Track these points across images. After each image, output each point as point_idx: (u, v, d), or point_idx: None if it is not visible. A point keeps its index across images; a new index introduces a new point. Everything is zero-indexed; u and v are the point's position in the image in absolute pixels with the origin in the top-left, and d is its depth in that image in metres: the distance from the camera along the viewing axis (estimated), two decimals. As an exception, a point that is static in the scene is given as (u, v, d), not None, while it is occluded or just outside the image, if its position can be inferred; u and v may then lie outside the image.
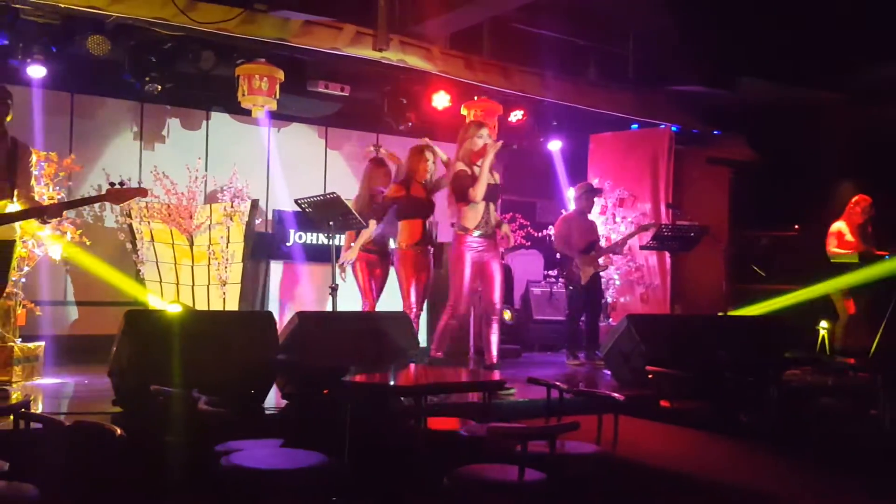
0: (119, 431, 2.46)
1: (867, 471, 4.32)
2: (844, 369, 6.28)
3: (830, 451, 4.77)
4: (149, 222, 7.11)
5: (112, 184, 4.74)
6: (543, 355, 8.41)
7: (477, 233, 5.57)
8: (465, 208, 5.57)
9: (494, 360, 5.65)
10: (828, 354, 7.25)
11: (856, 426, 5.29)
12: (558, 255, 7.80)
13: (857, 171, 8.29)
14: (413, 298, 5.89)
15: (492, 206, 5.66)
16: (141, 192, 4.89)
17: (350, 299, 6.19)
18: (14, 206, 4.67)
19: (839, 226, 7.44)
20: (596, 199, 7.97)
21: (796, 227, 9.21)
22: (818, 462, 4.54)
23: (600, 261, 7.45)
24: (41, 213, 4.60)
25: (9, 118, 4.78)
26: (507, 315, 8.24)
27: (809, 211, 8.47)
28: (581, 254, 7.32)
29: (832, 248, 7.42)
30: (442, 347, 5.65)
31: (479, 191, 5.47)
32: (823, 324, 7.48)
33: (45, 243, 5.77)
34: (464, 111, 8.34)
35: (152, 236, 7.14)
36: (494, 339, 5.66)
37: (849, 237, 7.36)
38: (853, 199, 7.46)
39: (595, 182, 8.91)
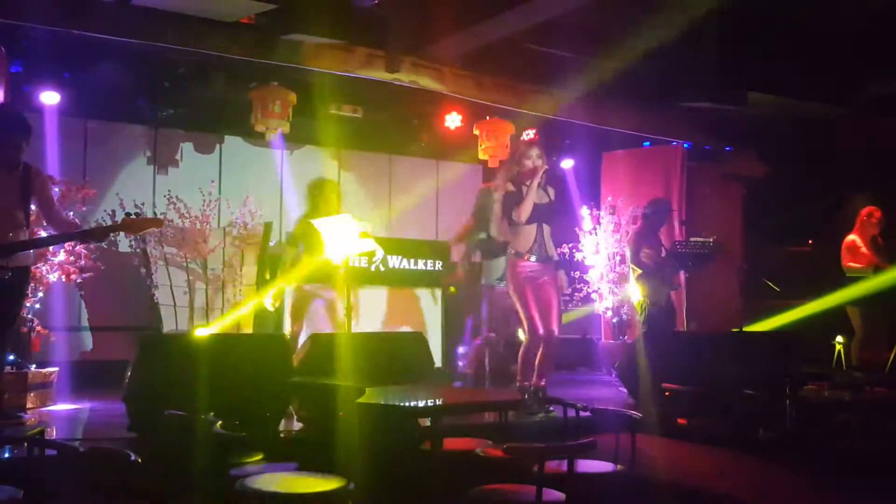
0: (134, 457, 2.45)
1: (885, 486, 4.27)
2: (861, 384, 6.21)
3: (848, 466, 4.73)
4: (162, 246, 7.15)
5: (128, 213, 4.76)
6: (559, 374, 8.36)
7: (532, 257, 5.48)
8: (515, 230, 5.49)
9: (542, 384, 5.54)
10: (844, 369, 7.17)
11: (873, 441, 5.22)
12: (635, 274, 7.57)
13: (868, 184, 8.24)
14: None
15: (546, 229, 5.54)
16: (156, 222, 4.89)
17: (367, 321, 6.18)
18: (24, 234, 4.66)
19: (853, 239, 7.39)
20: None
21: (809, 241, 9.15)
22: (836, 478, 4.49)
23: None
24: (85, 236, 4.63)
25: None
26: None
27: (822, 225, 8.42)
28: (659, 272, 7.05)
29: (848, 262, 7.37)
30: (528, 376, 5.53)
31: (523, 211, 5.39)
32: (839, 338, 7.41)
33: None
34: (476, 131, 8.37)
35: (166, 260, 7.17)
36: (548, 365, 5.56)
37: (864, 250, 7.31)
38: (865, 212, 7.41)
39: (609, 200, 8.91)
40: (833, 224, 7.93)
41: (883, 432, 5.29)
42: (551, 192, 5.63)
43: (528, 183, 5.44)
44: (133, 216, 4.68)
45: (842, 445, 5.19)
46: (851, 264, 7.32)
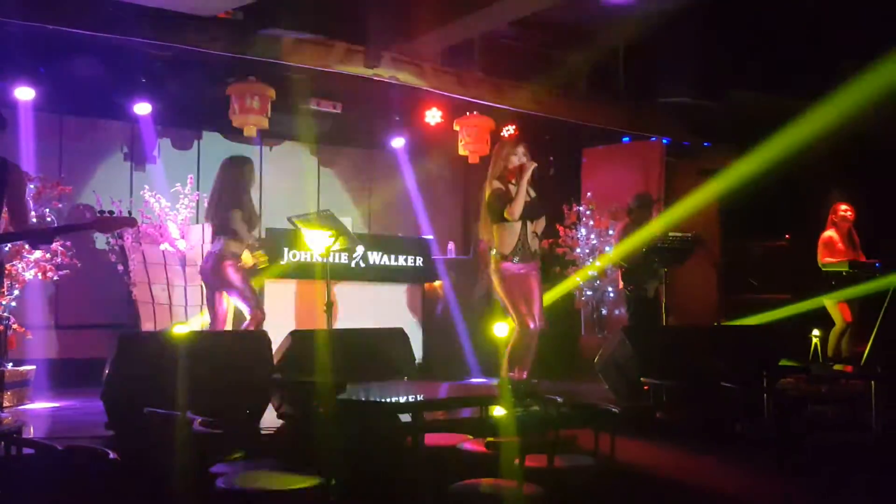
0: (113, 455, 2.44)
1: (861, 477, 4.34)
2: (838, 377, 6.29)
3: (825, 458, 4.79)
4: (140, 243, 7.09)
5: (101, 212, 4.70)
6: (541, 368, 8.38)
7: (516, 258, 5.47)
8: (502, 229, 5.51)
9: (524, 376, 5.57)
10: (821, 362, 7.25)
11: (849, 433, 5.29)
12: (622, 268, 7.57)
13: (843, 179, 8.34)
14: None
15: (529, 227, 5.55)
16: (130, 222, 4.81)
17: (347, 317, 6.16)
18: None
19: (829, 234, 7.48)
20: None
21: (787, 236, 9.25)
22: (812, 469, 4.55)
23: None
24: (32, 237, 4.56)
25: None
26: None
27: (798, 220, 8.50)
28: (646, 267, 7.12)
29: (824, 258, 7.45)
30: (524, 368, 5.52)
31: (516, 209, 5.40)
32: (816, 332, 7.50)
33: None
34: (456, 127, 8.36)
35: (144, 257, 7.11)
36: (529, 359, 5.58)
37: (840, 245, 7.40)
38: (837, 208, 7.50)
39: (589, 195, 8.94)
40: (809, 219, 8.02)
41: (858, 424, 5.36)
42: (531, 192, 5.65)
43: (514, 181, 5.45)
44: (107, 214, 4.63)
45: (819, 437, 5.26)
46: (828, 259, 7.41)
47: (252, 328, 5.72)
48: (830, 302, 7.36)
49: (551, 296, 7.96)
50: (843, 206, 7.47)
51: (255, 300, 5.90)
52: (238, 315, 5.98)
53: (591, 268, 8.56)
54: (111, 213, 4.66)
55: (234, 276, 5.77)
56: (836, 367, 6.62)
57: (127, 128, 7.71)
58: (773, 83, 7.99)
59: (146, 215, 7.13)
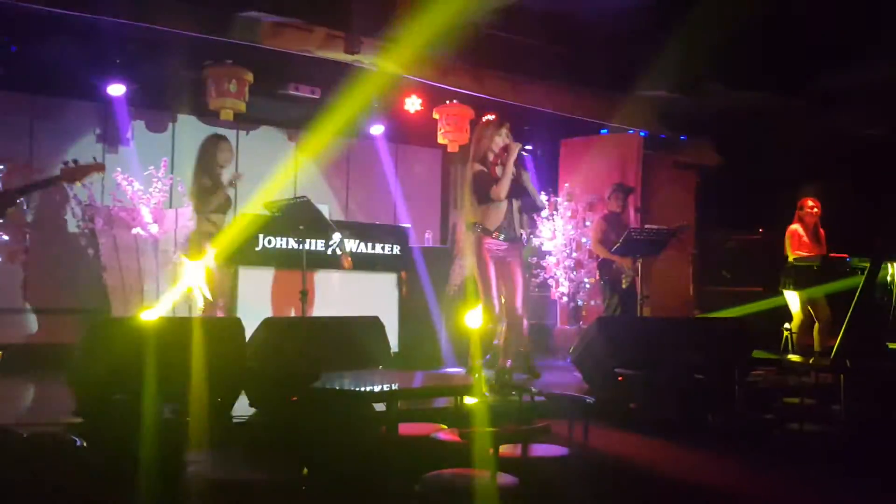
0: (80, 442, 2.39)
1: (829, 467, 4.41)
2: (808, 369, 6.36)
3: (794, 449, 4.86)
4: (112, 227, 6.98)
5: (65, 163, 4.61)
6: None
7: (501, 236, 5.48)
8: (487, 209, 5.48)
9: (508, 365, 5.55)
10: (792, 355, 7.33)
11: (818, 425, 5.37)
12: (598, 258, 7.68)
13: (816, 174, 8.42)
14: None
15: (515, 206, 5.56)
16: (96, 167, 4.73)
17: (323, 305, 6.11)
18: None
19: (795, 228, 7.55)
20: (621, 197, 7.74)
21: (760, 230, 9.33)
22: (782, 460, 4.61)
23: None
24: (27, 190, 4.46)
25: None
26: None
27: (772, 214, 8.58)
28: (622, 256, 7.19)
29: (791, 250, 7.52)
30: (508, 356, 5.52)
31: (502, 189, 5.39)
32: (787, 325, 7.57)
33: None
34: (436, 115, 8.32)
35: (115, 242, 7.00)
36: (513, 346, 5.56)
37: (805, 239, 7.47)
38: (805, 203, 7.56)
39: (567, 186, 8.95)
40: (781, 213, 8.09)
41: (828, 415, 5.44)
42: (516, 170, 5.61)
43: (499, 162, 5.44)
44: (72, 164, 4.54)
45: (788, 429, 5.32)
46: (798, 252, 7.47)
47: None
48: (794, 294, 7.40)
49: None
50: (810, 202, 7.54)
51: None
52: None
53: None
54: (76, 161, 4.56)
55: None
56: (807, 359, 6.70)
57: (100, 108, 7.57)
58: (748, 78, 8.04)
59: (118, 199, 7.02)
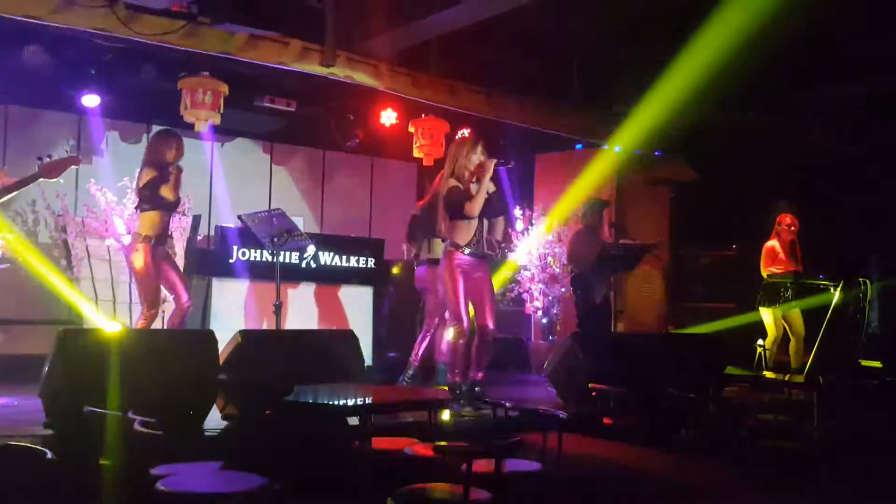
0: (50, 454, 2.36)
1: (802, 483, 4.44)
2: (782, 386, 6.44)
3: (767, 464, 4.89)
4: (84, 238, 6.91)
5: (40, 158, 4.56)
6: (492, 373, 8.41)
7: (468, 251, 5.50)
8: (458, 225, 5.50)
9: (479, 377, 5.55)
10: (766, 371, 7.41)
11: (791, 440, 5.42)
12: (572, 273, 7.66)
13: (790, 190, 8.55)
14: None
15: (486, 225, 5.58)
16: (73, 160, 4.72)
17: (297, 317, 6.08)
18: None
19: (772, 244, 7.63)
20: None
21: (734, 245, 9.44)
22: (755, 475, 4.65)
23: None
24: (6, 191, 4.41)
25: None
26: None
27: (745, 230, 8.69)
28: (596, 272, 7.20)
29: (768, 266, 7.61)
30: (458, 373, 5.51)
31: (475, 206, 5.42)
32: (760, 341, 7.65)
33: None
34: (411, 129, 8.35)
35: (88, 252, 6.93)
36: (484, 359, 5.56)
37: (782, 255, 7.56)
38: (783, 219, 7.65)
39: (541, 201, 9.00)
40: (756, 229, 8.20)
41: (800, 431, 5.49)
42: (491, 187, 5.64)
43: (475, 179, 5.46)
44: (48, 159, 4.51)
45: (762, 445, 5.36)
46: (772, 269, 7.57)
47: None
48: (768, 311, 7.49)
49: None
50: (788, 219, 7.63)
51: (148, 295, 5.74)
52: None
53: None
54: (50, 156, 4.53)
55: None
56: (781, 376, 6.78)
57: (74, 119, 7.52)
58: (721, 95, 8.15)
59: (91, 209, 6.96)
